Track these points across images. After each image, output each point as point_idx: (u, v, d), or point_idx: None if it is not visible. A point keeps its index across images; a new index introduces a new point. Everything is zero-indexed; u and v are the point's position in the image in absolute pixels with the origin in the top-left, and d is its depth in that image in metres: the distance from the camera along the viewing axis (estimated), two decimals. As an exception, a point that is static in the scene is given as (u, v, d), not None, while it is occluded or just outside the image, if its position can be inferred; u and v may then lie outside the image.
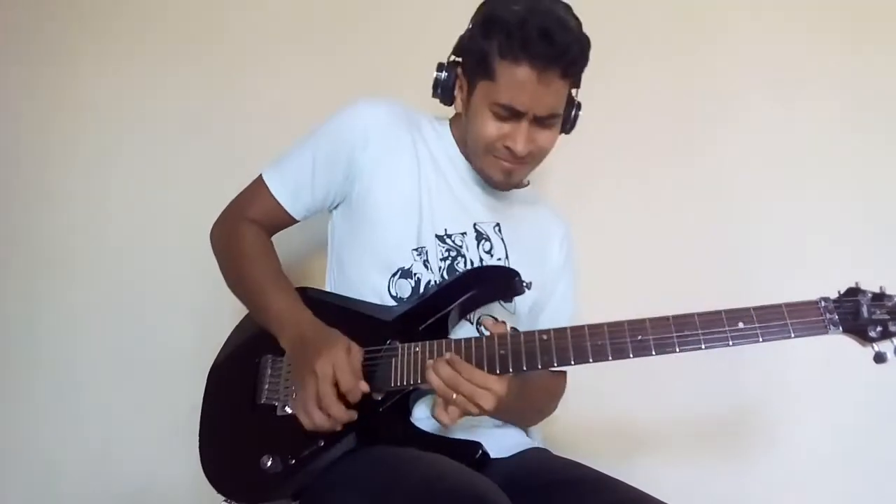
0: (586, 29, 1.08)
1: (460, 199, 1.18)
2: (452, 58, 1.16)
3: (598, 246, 1.43)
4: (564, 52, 1.02)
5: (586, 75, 1.12)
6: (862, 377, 1.36)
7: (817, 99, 1.52)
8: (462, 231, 1.16)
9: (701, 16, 1.57)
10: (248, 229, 1.19)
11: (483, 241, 1.17)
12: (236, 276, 1.20)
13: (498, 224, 1.20)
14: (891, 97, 1.49)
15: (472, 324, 1.13)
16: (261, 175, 1.20)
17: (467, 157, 1.20)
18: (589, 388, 1.29)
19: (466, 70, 1.12)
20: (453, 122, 1.23)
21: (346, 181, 1.16)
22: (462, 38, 1.14)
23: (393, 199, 1.14)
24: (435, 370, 0.97)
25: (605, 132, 1.50)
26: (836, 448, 1.43)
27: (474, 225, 1.17)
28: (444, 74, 1.15)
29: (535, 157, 1.14)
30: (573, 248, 1.30)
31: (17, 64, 1.73)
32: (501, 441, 1.10)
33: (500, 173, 1.14)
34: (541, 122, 1.09)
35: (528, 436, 1.21)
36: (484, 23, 1.07)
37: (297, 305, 1.10)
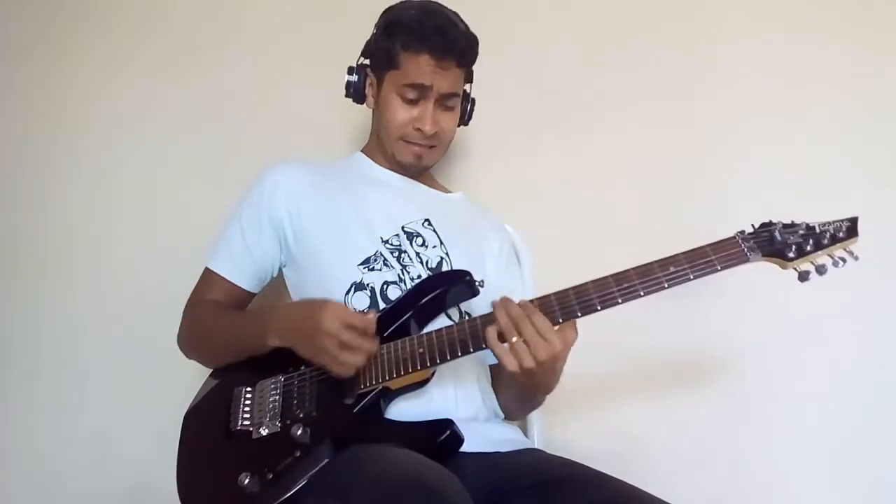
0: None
1: (386, 209, 1.27)
2: (361, 60, 1.33)
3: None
4: (455, 43, 1.22)
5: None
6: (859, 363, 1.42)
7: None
8: (395, 234, 1.24)
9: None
10: (200, 307, 1.26)
11: (414, 237, 1.25)
12: (208, 346, 1.25)
13: (427, 219, 1.28)
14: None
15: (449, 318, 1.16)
16: (205, 267, 1.28)
17: (383, 155, 1.33)
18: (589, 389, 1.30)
19: (375, 67, 1.29)
20: (365, 148, 1.39)
21: (276, 234, 1.25)
22: (368, 43, 1.32)
23: (321, 228, 1.23)
24: (504, 305, 1.00)
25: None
26: (836, 465, 1.42)
27: (402, 227, 1.25)
28: (354, 77, 1.31)
29: (440, 140, 1.30)
30: (517, 244, 1.39)
31: (24, 64, 1.76)
32: (486, 435, 1.11)
33: (412, 156, 1.29)
34: (443, 103, 1.26)
35: (524, 436, 1.23)
36: (387, 26, 1.26)
37: (264, 315, 1.16)
